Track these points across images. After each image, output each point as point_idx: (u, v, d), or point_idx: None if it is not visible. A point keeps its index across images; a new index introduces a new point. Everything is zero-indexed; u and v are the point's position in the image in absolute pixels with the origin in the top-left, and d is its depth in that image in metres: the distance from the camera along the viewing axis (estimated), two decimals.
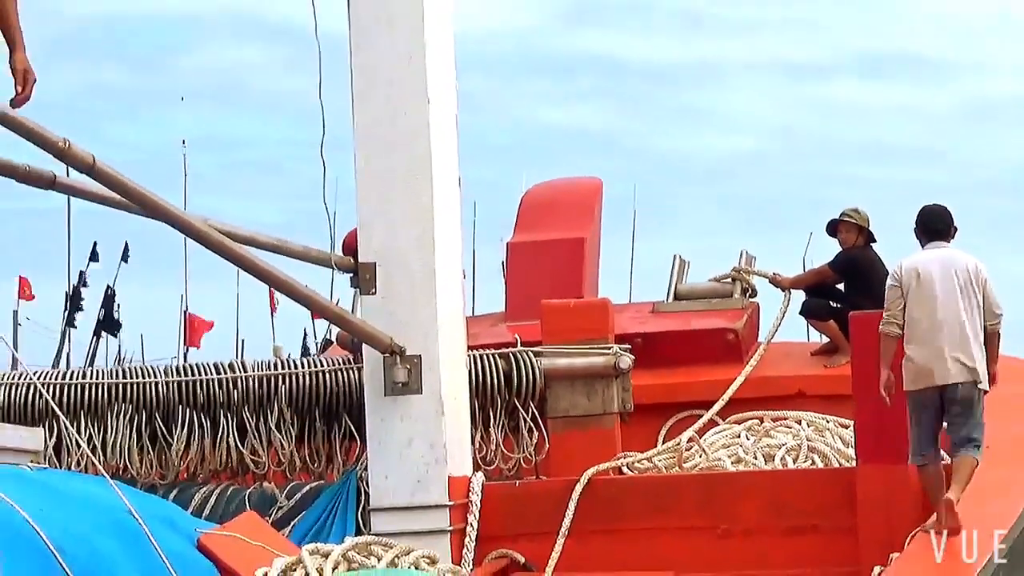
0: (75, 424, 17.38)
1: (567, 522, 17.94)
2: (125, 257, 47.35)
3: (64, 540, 13.46)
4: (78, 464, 17.07)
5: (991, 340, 17.57)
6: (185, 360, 22.21)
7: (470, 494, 18.07)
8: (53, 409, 16.62)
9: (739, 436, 19.19)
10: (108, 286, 28.04)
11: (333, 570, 15.32)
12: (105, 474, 16.13)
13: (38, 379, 19.00)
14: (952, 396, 17.04)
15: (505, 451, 19.19)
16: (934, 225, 18.40)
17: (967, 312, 17.35)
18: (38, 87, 11.32)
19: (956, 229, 18.49)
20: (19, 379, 17.89)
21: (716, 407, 20.37)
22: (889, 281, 18.13)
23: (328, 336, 20.33)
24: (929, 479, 17.34)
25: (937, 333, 17.30)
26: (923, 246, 18.34)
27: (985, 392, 17.34)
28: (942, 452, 17.40)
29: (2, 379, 18.15)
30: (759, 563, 17.10)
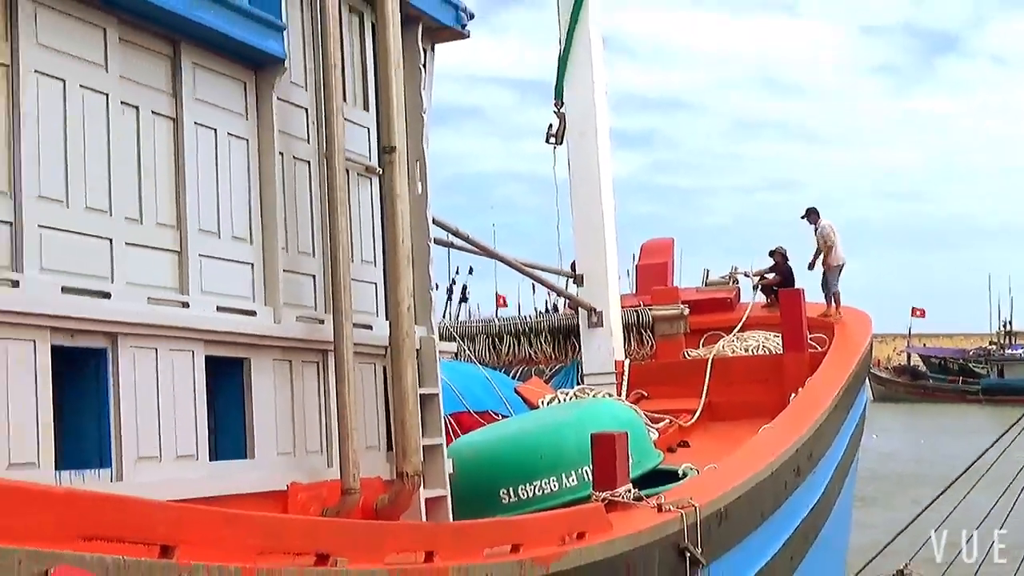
0: (464, 342, 17.42)
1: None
2: (470, 271, 47.33)
3: (461, 387, 13.58)
4: (465, 359, 17.09)
5: None
6: (496, 316, 22.17)
7: (624, 368, 17.99)
8: (454, 336, 16.67)
9: (732, 341, 18.94)
10: (464, 285, 28.10)
11: (569, 399, 15.45)
12: (476, 362, 16.26)
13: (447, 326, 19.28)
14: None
15: (636, 350, 18.95)
16: (816, 211, 21.34)
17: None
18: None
19: None
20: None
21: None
22: (829, 227, 21.20)
23: (555, 303, 20.11)
24: (836, 297, 20.51)
25: (840, 247, 20.63)
26: (818, 218, 21.25)
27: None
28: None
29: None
30: (741, 393, 16.87)
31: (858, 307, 21.21)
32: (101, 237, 6.91)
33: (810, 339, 18.04)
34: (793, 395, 15.71)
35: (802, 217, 21.40)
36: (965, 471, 6.85)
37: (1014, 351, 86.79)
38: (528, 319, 20.10)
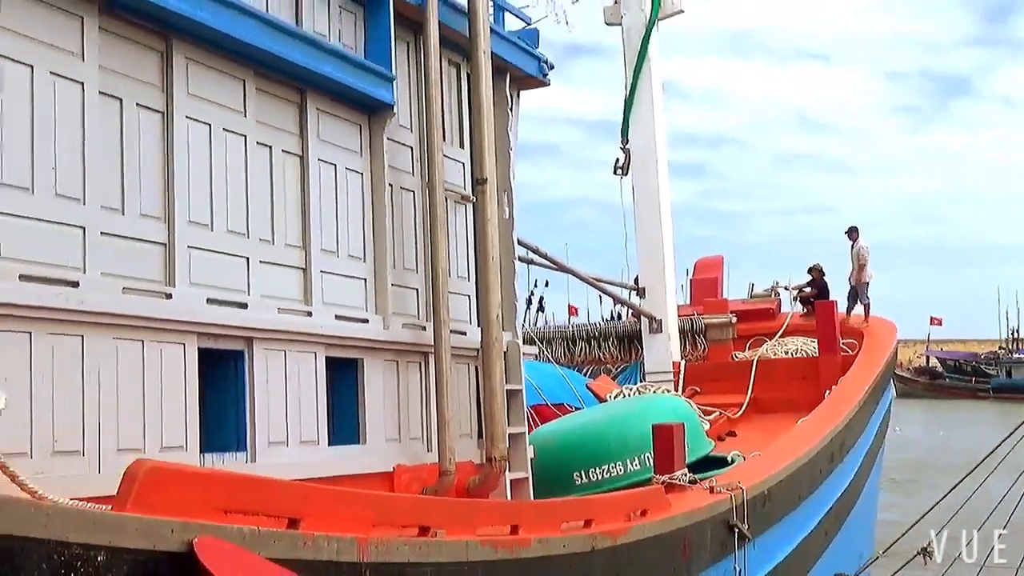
0: (543, 345, 17.25)
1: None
2: (547, 284, 46.48)
3: (540, 383, 13.50)
4: (544, 360, 16.93)
5: None
6: (569, 323, 21.62)
7: (680, 368, 17.75)
8: (534, 340, 16.53)
9: (774, 345, 18.51)
10: (541, 296, 27.13)
11: (633, 394, 15.30)
12: (553, 362, 16.20)
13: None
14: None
15: (691, 352, 18.55)
16: (857, 230, 20.60)
17: None
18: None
19: None
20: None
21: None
22: (865, 248, 20.59)
23: (620, 312, 19.87)
24: (867, 308, 20.07)
25: (870, 266, 20.26)
26: (857, 237, 20.69)
27: None
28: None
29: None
30: (781, 390, 16.46)
31: (884, 316, 20.84)
32: (239, 256, 7.00)
33: (842, 344, 17.74)
34: (827, 392, 15.42)
35: (845, 233, 21.10)
36: (983, 460, 6.69)
37: (1021, 355, 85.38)
38: (597, 325, 19.80)
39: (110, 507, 4.22)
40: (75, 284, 5.82)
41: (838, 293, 20.28)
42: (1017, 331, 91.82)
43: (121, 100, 6.33)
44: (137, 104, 6.42)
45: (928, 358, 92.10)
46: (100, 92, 6.17)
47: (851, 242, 20.90)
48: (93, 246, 5.98)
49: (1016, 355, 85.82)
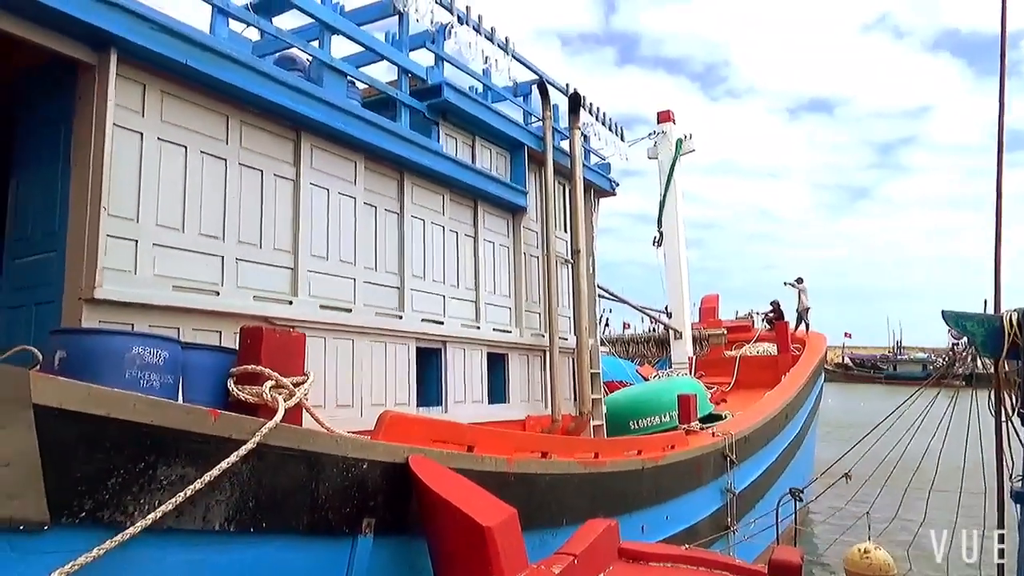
0: (610, 345, 16.88)
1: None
2: (610, 311, 42.97)
3: (609, 368, 13.20)
4: (611, 354, 16.53)
5: None
6: (624, 333, 20.51)
7: (692, 361, 17.09)
8: (606, 343, 16.15)
9: (750, 347, 17.68)
10: (607, 317, 24.88)
11: (665, 376, 14.79)
12: (617, 356, 15.87)
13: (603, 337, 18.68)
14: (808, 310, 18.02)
15: (699, 351, 17.67)
16: (801, 278, 18.81)
17: None
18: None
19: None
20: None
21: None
22: (805, 289, 18.63)
23: (655, 327, 19.17)
24: (808, 325, 18.24)
25: (809, 300, 18.33)
26: (802, 282, 18.80)
27: None
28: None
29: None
30: (754, 375, 15.84)
31: (818, 331, 19.88)
32: (439, 295, 7.07)
33: (792, 347, 17.00)
34: (783, 377, 14.80)
35: (795, 280, 20.05)
36: (886, 418, 6.31)
37: (902, 356, 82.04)
38: (642, 334, 19.44)
39: (368, 437, 4.30)
40: (349, 310, 5.98)
41: (789, 316, 19.46)
42: (900, 342, 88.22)
43: (375, 207, 6.46)
44: (385, 210, 6.56)
45: (844, 357, 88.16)
46: (365, 203, 6.31)
47: (799, 286, 19.98)
48: (359, 289, 6.13)
49: (898, 356, 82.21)
